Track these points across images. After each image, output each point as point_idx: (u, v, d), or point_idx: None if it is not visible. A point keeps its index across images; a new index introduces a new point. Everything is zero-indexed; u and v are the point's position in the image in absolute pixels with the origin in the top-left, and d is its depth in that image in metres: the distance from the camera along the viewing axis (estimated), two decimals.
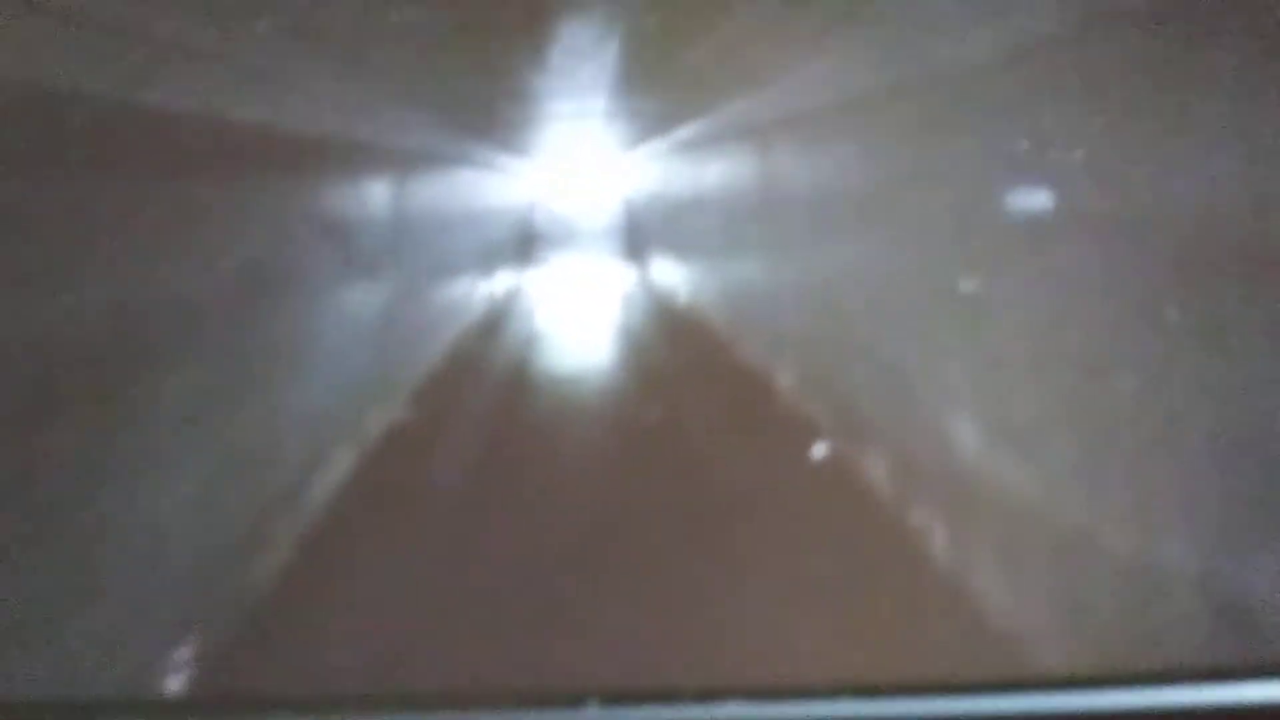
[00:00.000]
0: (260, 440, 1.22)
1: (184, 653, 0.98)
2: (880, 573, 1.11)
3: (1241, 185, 0.92)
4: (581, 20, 1.28)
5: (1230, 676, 0.75)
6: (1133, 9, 0.99)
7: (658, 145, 1.90)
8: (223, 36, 1.05)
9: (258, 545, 1.15)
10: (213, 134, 1.12)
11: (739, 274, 1.84)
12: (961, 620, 1.07)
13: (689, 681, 0.76)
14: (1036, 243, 1.10)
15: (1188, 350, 0.95)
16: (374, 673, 0.98)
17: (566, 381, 1.65)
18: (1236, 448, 0.91)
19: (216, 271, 1.13)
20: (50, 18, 0.93)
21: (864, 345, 1.39)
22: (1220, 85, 0.93)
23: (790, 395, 1.49)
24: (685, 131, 1.86)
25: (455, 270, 1.88)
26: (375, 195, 1.63)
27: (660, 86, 1.63)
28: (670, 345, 1.74)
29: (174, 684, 0.96)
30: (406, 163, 1.78)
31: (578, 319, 1.83)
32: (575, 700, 0.74)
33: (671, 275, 1.91)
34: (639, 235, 1.86)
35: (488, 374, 1.64)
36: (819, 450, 1.26)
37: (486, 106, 1.69)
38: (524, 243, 1.89)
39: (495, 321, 1.81)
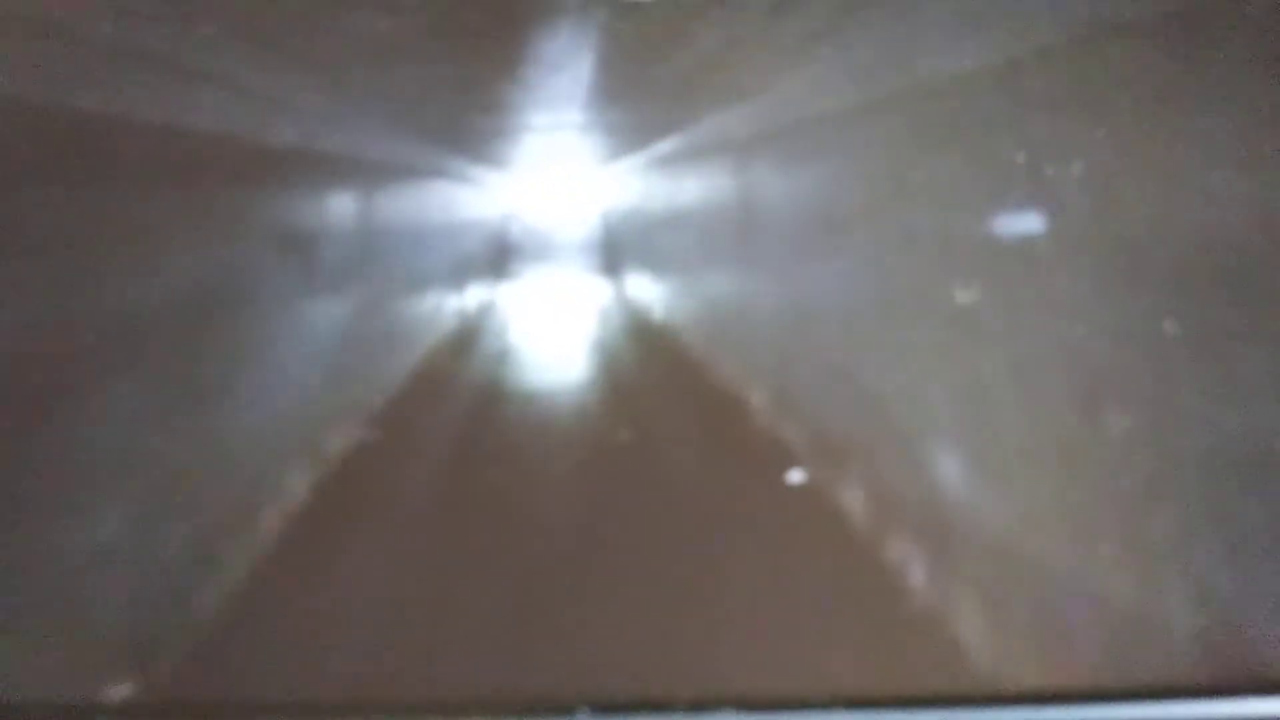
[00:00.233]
0: (206, 461, 1.20)
1: (119, 687, 0.95)
2: (853, 605, 1.10)
3: (1242, 201, 0.90)
4: (557, 29, 1.25)
5: (1210, 694, 0.76)
6: (1127, 21, 0.98)
7: (635, 159, 1.88)
8: (166, 37, 1.02)
9: (203, 569, 1.13)
10: (160, 141, 1.08)
11: (716, 291, 1.82)
12: (938, 652, 1.06)
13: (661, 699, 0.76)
14: (1026, 262, 1.08)
15: (1184, 375, 0.92)
16: (343, 692, 0.96)
17: (538, 398, 1.63)
18: (1235, 479, 0.89)
19: (164, 285, 1.10)
20: None
21: (843, 368, 1.37)
22: (1218, 98, 0.92)
23: (765, 417, 1.47)
24: (663, 146, 1.84)
25: (425, 285, 1.86)
26: (340, 207, 1.61)
27: (638, 99, 1.61)
28: (645, 363, 1.72)
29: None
30: (373, 174, 1.75)
31: (551, 335, 1.81)
32: (566, 709, 0.76)
33: (647, 291, 1.88)
34: (615, 251, 1.83)
35: (457, 391, 1.62)
36: (794, 475, 1.24)
37: (459, 118, 1.66)
38: (497, 257, 1.86)
39: (466, 337, 1.78)
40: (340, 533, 1.23)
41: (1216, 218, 0.91)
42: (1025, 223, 1.08)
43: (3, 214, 0.93)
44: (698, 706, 0.75)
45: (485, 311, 1.84)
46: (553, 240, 1.80)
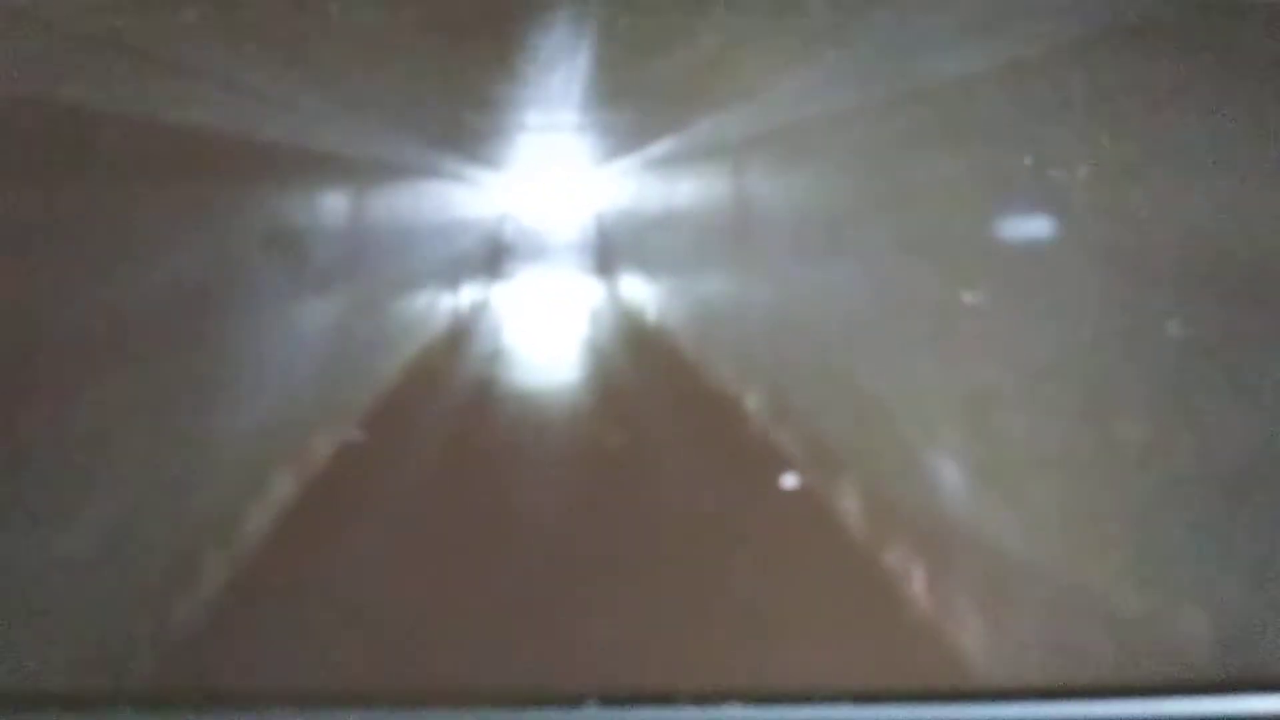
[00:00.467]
0: (193, 461, 1.19)
1: (101, 684, 0.95)
2: (848, 604, 1.10)
3: (1248, 204, 0.89)
4: (553, 25, 1.25)
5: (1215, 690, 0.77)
6: (1133, 25, 0.97)
7: (631, 160, 1.87)
8: (149, 27, 1.01)
9: (190, 569, 1.12)
10: (143, 135, 1.07)
11: (710, 294, 1.81)
12: (936, 653, 1.05)
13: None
14: (1027, 266, 1.07)
15: (1189, 379, 0.92)
16: (347, 685, 0.96)
17: (531, 399, 1.62)
18: (1241, 484, 0.88)
19: (148, 283, 1.09)
20: None
21: (841, 372, 1.36)
22: (1223, 101, 0.91)
23: (760, 421, 1.46)
24: (659, 146, 1.83)
25: (417, 285, 1.85)
26: (330, 206, 1.60)
27: (635, 99, 1.60)
28: (638, 366, 1.71)
29: None
30: (365, 172, 1.75)
31: (545, 336, 1.80)
32: (574, 700, 0.77)
33: (641, 293, 1.88)
34: (610, 252, 1.82)
35: (449, 391, 1.61)
36: (789, 481, 1.24)
37: (453, 115, 1.65)
38: (491, 257, 1.85)
39: (459, 338, 1.77)
40: (332, 531, 1.22)
41: (1223, 221, 0.90)
42: (1027, 226, 1.08)
43: None
44: (702, 699, 0.77)
45: (478, 312, 1.83)
46: (547, 241, 1.79)
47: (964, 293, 1.13)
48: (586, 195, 1.79)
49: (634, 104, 1.64)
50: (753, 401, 1.50)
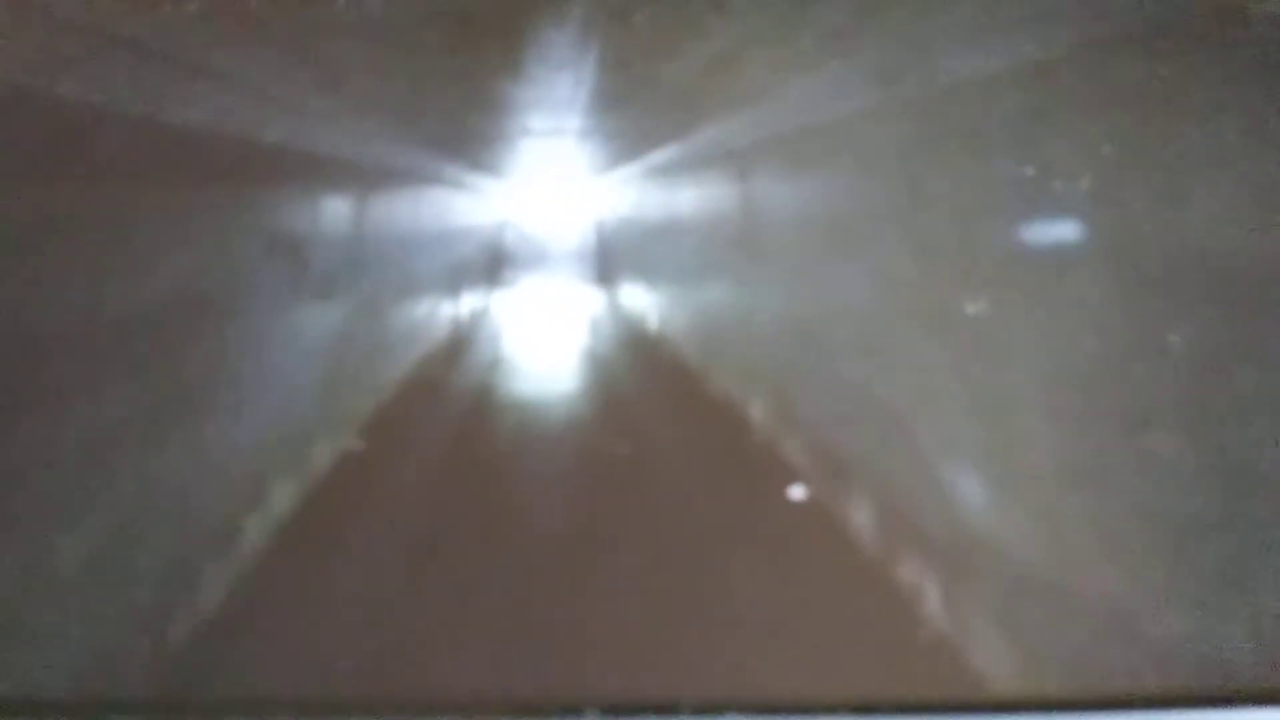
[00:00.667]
0: (193, 469, 1.18)
1: (98, 692, 0.94)
2: (856, 614, 1.09)
3: (1256, 209, 0.89)
4: (559, 27, 1.24)
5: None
6: (1140, 32, 0.97)
7: (635, 167, 1.87)
8: (149, 20, 1.00)
9: (189, 579, 1.11)
10: (143, 134, 1.06)
11: (714, 302, 1.81)
12: (946, 663, 1.05)
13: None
14: (1038, 273, 1.06)
15: (1212, 388, 0.91)
16: (346, 694, 0.95)
17: (532, 408, 1.62)
18: (1245, 492, 0.88)
19: (147, 287, 1.08)
20: None
21: (847, 381, 1.36)
22: (1226, 109, 0.91)
23: (765, 431, 1.45)
24: (662, 153, 1.83)
25: (418, 292, 1.84)
26: (332, 210, 1.60)
27: (641, 104, 1.60)
28: (640, 375, 1.70)
29: None
30: (367, 177, 1.74)
31: (546, 344, 1.80)
32: (575, 709, 0.78)
33: (643, 301, 1.87)
34: (611, 259, 1.82)
35: (449, 399, 1.60)
36: (796, 492, 1.23)
37: (456, 120, 1.65)
38: (492, 264, 1.85)
39: (459, 345, 1.77)
40: (332, 540, 1.22)
41: (1228, 226, 0.90)
42: (1036, 232, 1.07)
43: None
44: (703, 709, 0.77)
45: (479, 319, 1.82)
46: (548, 248, 1.79)
47: (972, 300, 1.12)
48: (588, 202, 1.79)
49: (636, 110, 1.64)
50: (757, 411, 1.49)
